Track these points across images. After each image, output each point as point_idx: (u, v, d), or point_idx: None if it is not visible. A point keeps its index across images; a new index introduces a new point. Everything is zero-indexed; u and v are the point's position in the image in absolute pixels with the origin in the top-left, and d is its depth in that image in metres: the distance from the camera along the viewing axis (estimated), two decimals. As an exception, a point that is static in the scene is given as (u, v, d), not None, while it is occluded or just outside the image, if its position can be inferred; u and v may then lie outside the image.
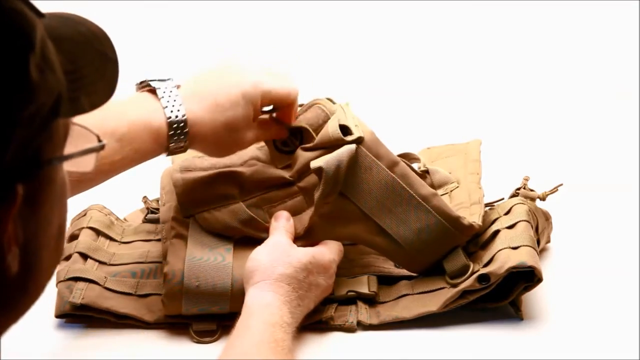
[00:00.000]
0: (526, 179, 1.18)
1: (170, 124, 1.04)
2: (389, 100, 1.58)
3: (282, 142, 1.15)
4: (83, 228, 1.19)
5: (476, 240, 1.12)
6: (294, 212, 1.11)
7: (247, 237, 1.11)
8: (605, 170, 1.37)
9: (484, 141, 1.26)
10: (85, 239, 1.17)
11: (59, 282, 1.12)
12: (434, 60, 1.70)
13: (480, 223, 1.11)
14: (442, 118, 1.52)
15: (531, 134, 1.47)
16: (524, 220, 1.10)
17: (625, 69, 1.64)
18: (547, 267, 1.10)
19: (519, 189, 1.17)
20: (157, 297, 1.11)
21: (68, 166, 0.69)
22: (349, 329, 1.09)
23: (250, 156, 1.16)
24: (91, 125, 0.72)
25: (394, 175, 1.10)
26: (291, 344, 0.99)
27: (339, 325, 1.09)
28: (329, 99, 1.15)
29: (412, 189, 1.10)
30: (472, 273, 1.08)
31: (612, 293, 1.13)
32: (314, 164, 1.08)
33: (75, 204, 1.25)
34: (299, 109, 1.15)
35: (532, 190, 1.17)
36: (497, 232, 1.11)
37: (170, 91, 1.06)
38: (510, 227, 1.10)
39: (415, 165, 1.20)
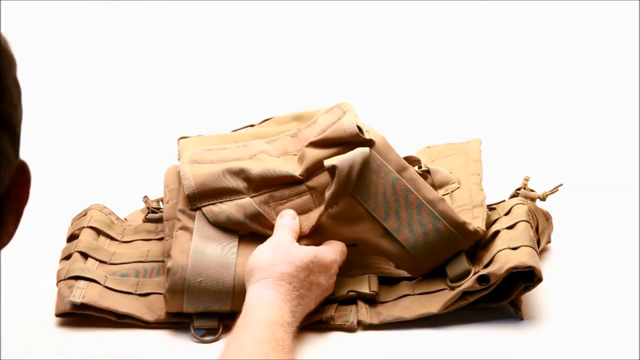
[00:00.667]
0: (526, 179, 1.18)
1: None
2: (389, 100, 1.58)
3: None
4: (83, 227, 1.19)
5: (476, 241, 1.12)
6: (301, 211, 1.11)
7: (253, 233, 1.11)
8: (605, 170, 1.38)
9: (484, 141, 1.26)
10: (86, 238, 1.17)
11: (59, 281, 1.12)
12: (434, 60, 1.70)
13: (484, 228, 1.11)
14: (442, 118, 1.53)
15: (531, 134, 1.47)
16: (524, 221, 1.10)
17: (625, 69, 1.64)
18: (547, 267, 1.10)
19: (519, 189, 1.17)
20: (157, 296, 1.11)
21: None
22: (349, 329, 1.09)
23: (259, 150, 1.16)
24: None
25: (402, 179, 1.10)
26: (291, 343, 0.99)
27: (339, 325, 1.09)
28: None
29: (420, 193, 1.10)
30: (473, 274, 1.08)
31: (612, 293, 1.13)
32: (327, 163, 1.08)
33: (75, 204, 1.26)
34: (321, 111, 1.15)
35: (532, 191, 1.16)
36: (497, 232, 1.11)
37: None
38: (510, 227, 1.10)
39: (415, 167, 1.20)
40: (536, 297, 1.10)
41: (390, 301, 1.11)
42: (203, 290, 1.07)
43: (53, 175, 1.44)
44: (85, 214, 1.22)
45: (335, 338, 1.08)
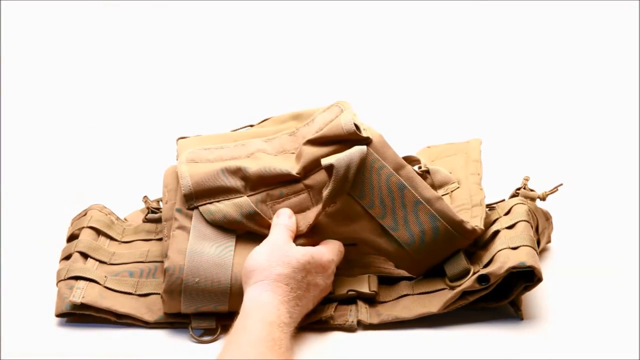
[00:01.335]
0: (526, 179, 1.18)
1: None
2: (389, 100, 1.58)
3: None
4: (83, 227, 1.19)
5: (476, 240, 1.12)
6: (299, 209, 1.11)
7: (250, 232, 1.11)
8: (605, 170, 1.38)
9: (484, 141, 1.26)
10: (86, 239, 1.17)
11: (59, 281, 1.12)
12: (434, 60, 1.70)
13: (482, 227, 1.11)
14: (442, 117, 1.53)
15: (531, 134, 1.47)
16: (524, 221, 1.10)
17: (625, 69, 1.64)
18: (547, 267, 1.10)
19: (519, 189, 1.17)
20: (157, 296, 1.11)
21: None
22: (349, 329, 1.09)
23: (256, 148, 1.16)
24: None
25: (399, 178, 1.10)
26: (289, 343, 0.99)
27: (339, 325, 1.09)
28: None
29: (417, 192, 1.10)
30: (472, 274, 1.08)
31: (612, 293, 1.13)
32: (325, 161, 1.08)
33: (75, 204, 1.26)
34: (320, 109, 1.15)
35: (532, 190, 1.17)
36: (497, 232, 1.11)
37: None
38: (510, 227, 1.10)
39: (415, 167, 1.20)
40: (536, 297, 1.10)
41: (390, 301, 1.11)
42: (200, 291, 1.07)
43: (53, 175, 1.44)
44: (85, 214, 1.22)
45: (335, 338, 1.08)
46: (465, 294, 1.07)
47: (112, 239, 1.20)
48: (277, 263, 1.04)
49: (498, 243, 1.09)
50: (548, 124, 1.50)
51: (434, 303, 1.09)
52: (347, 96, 1.18)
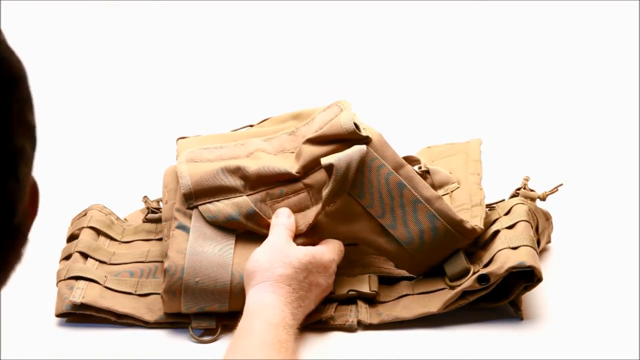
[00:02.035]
0: (526, 179, 1.18)
1: None
2: (389, 100, 1.58)
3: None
4: (83, 227, 1.19)
5: (476, 240, 1.12)
6: (298, 209, 1.11)
7: (250, 232, 1.11)
8: (605, 170, 1.38)
9: (485, 141, 1.26)
10: (86, 239, 1.17)
11: (59, 281, 1.12)
12: (434, 60, 1.70)
13: (482, 226, 1.11)
14: (442, 118, 1.53)
15: (531, 134, 1.47)
16: (524, 221, 1.10)
17: (625, 69, 1.64)
18: (547, 267, 1.10)
19: (519, 189, 1.17)
20: (157, 296, 1.11)
21: None
22: (349, 329, 1.09)
23: (256, 147, 1.16)
24: None
25: (399, 177, 1.10)
26: (294, 344, 0.99)
27: (339, 325, 1.09)
28: None
29: (417, 191, 1.10)
30: (472, 274, 1.08)
31: (612, 293, 1.13)
32: (324, 161, 1.08)
33: (75, 204, 1.26)
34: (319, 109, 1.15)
35: (532, 191, 1.16)
36: (497, 232, 1.11)
37: None
38: (510, 227, 1.10)
39: (415, 167, 1.20)
40: (536, 297, 1.10)
41: (390, 301, 1.11)
42: (200, 291, 1.07)
43: (53, 175, 1.44)
44: (85, 214, 1.22)
45: (335, 338, 1.08)
46: (465, 293, 1.07)
47: (112, 239, 1.20)
48: (278, 264, 1.04)
49: (498, 243, 1.09)
50: (548, 124, 1.50)
51: (433, 303, 1.09)
52: (347, 96, 1.18)
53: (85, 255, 1.16)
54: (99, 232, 1.19)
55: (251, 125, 1.23)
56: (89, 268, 1.14)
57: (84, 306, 1.10)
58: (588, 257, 1.19)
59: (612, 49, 1.69)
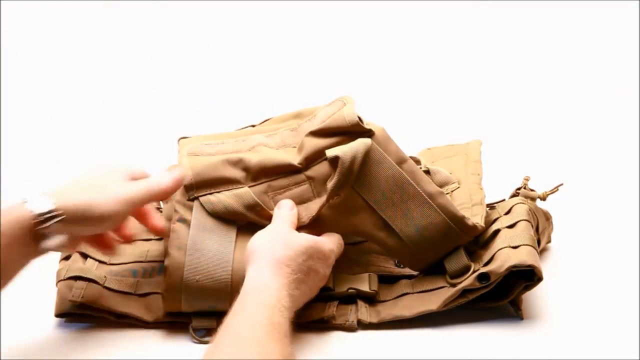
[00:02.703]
0: (527, 179, 1.18)
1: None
2: (389, 101, 1.58)
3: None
4: (83, 228, 1.19)
5: (477, 239, 1.12)
6: (300, 200, 1.11)
7: (251, 224, 1.10)
8: (605, 170, 1.38)
9: (485, 141, 1.26)
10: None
11: (59, 281, 1.12)
12: (434, 61, 1.70)
13: (483, 225, 1.11)
14: (442, 118, 1.53)
15: (531, 134, 1.47)
16: (524, 220, 1.11)
17: (625, 69, 1.64)
18: (547, 267, 1.10)
19: (519, 188, 1.17)
20: (157, 296, 1.11)
21: None
22: (349, 328, 1.09)
23: (258, 142, 1.15)
24: None
25: (401, 171, 1.10)
26: (288, 328, 0.97)
27: (339, 325, 1.09)
28: None
29: (419, 186, 1.10)
30: (473, 272, 1.08)
31: (612, 293, 1.13)
32: (330, 153, 1.08)
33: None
34: (322, 105, 1.15)
35: (532, 190, 1.17)
36: (497, 231, 1.11)
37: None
38: (511, 226, 1.10)
39: (415, 165, 1.20)
40: (536, 297, 1.10)
41: (390, 300, 1.11)
42: (201, 289, 1.07)
43: (53, 174, 1.44)
44: (85, 214, 1.22)
45: (335, 338, 1.08)
46: (465, 292, 1.07)
47: (112, 238, 1.20)
48: (278, 246, 1.03)
49: (498, 242, 1.09)
50: (548, 124, 1.50)
51: (433, 301, 1.09)
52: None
53: (85, 256, 1.16)
54: (99, 232, 1.19)
55: (253, 126, 1.23)
56: (89, 268, 1.14)
57: (83, 306, 1.10)
58: (588, 257, 1.20)
59: (612, 49, 1.70)
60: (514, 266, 1.05)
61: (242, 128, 1.22)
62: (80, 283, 1.11)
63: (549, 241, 1.21)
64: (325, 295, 1.10)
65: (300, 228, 1.09)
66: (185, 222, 1.10)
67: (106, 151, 1.51)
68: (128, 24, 1.83)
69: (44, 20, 1.83)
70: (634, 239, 1.22)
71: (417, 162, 1.22)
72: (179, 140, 1.20)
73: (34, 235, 0.99)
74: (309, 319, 1.08)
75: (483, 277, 1.06)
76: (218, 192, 1.11)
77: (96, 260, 1.16)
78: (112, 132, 1.56)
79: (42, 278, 1.16)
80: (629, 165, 1.38)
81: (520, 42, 1.73)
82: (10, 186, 1.41)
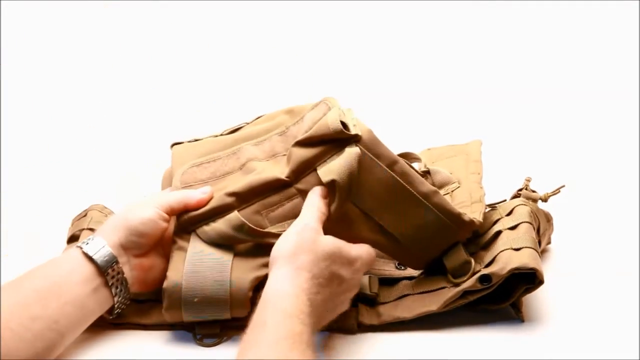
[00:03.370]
0: (528, 180, 1.18)
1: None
2: (389, 101, 1.58)
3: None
4: (83, 229, 1.19)
5: (478, 240, 1.12)
6: (294, 215, 1.09)
7: (246, 245, 1.10)
8: (606, 172, 1.38)
9: (486, 142, 1.26)
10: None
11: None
12: (434, 61, 1.70)
13: (481, 220, 1.10)
14: (442, 119, 1.53)
15: (533, 135, 1.47)
16: (526, 222, 1.10)
17: (625, 69, 1.64)
18: (547, 269, 1.10)
19: (520, 189, 1.17)
20: (154, 303, 1.11)
21: None
22: (350, 330, 1.09)
23: (247, 158, 1.15)
24: None
25: (393, 174, 1.09)
26: (309, 336, 0.96)
27: (340, 327, 1.09)
28: None
29: (412, 187, 1.09)
30: (474, 273, 1.08)
31: (612, 295, 1.13)
32: (325, 178, 1.07)
33: (76, 204, 1.26)
34: (309, 107, 1.15)
35: (534, 192, 1.17)
36: (499, 233, 1.11)
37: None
38: (513, 228, 1.10)
39: (416, 165, 1.20)
40: (537, 299, 1.10)
41: (390, 302, 1.11)
42: (200, 307, 1.07)
43: (53, 175, 1.44)
44: (85, 215, 1.21)
45: (336, 340, 1.08)
46: (465, 293, 1.07)
47: (112, 240, 1.20)
48: (302, 250, 1.01)
49: (500, 244, 1.09)
50: (549, 125, 1.50)
51: (434, 302, 1.09)
52: (348, 99, 1.17)
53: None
54: (99, 234, 1.19)
55: (247, 123, 1.22)
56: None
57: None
58: (589, 259, 1.19)
59: (612, 50, 1.70)
60: (516, 269, 1.05)
61: (236, 127, 1.22)
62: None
63: (549, 242, 1.21)
64: None
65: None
66: (182, 249, 1.10)
67: (106, 151, 1.51)
68: (128, 24, 1.83)
69: (44, 20, 1.83)
70: (634, 240, 1.22)
71: (418, 159, 1.22)
72: (171, 146, 1.20)
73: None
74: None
75: (485, 279, 1.06)
76: (213, 221, 1.11)
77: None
78: (111, 132, 1.56)
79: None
80: (630, 166, 1.38)
81: (521, 42, 1.73)
82: (10, 188, 1.41)
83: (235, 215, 1.10)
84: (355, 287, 1.07)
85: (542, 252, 1.17)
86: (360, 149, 1.08)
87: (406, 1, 1.82)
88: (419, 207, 1.09)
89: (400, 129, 1.38)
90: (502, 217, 1.13)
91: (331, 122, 1.08)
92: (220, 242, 1.09)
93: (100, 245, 1.07)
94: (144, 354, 1.07)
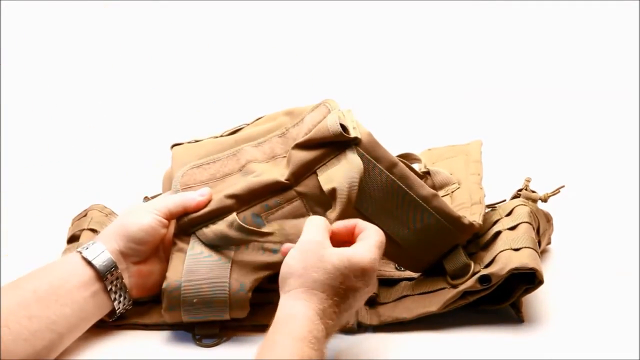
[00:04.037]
0: (528, 180, 1.18)
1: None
2: (389, 102, 1.58)
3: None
4: (84, 229, 1.19)
5: (477, 241, 1.12)
6: (294, 217, 1.10)
7: (245, 246, 1.10)
8: (606, 172, 1.38)
9: (486, 142, 1.26)
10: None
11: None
12: (434, 61, 1.70)
13: (480, 222, 1.11)
14: (442, 119, 1.53)
15: (532, 135, 1.47)
16: (526, 222, 1.10)
17: (625, 69, 1.64)
18: (547, 269, 1.10)
19: (520, 190, 1.17)
20: (154, 303, 1.11)
21: None
22: (349, 330, 1.09)
23: (247, 159, 1.15)
24: None
25: (393, 178, 1.09)
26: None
27: (340, 327, 1.09)
28: None
29: (412, 191, 1.09)
30: (473, 274, 1.08)
31: (612, 295, 1.13)
32: (326, 186, 1.07)
33: (76, 204, 1.26)
34: (308, 109, 1.15)
35: (533, 192, 1.17)
36: (498, 233, 1.11)
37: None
38: (512, 228, 1.10)
39: (416, 166, 1.20)
40: (536, 299, 1.10)
41: (390, 302, 1.11)
42: (199, 307, 1.07)
43: (53, 175, 1.44)
44: (86, 215, 1.22)
45: (335, 340, 1.08)
46: (465, 293, 1.07)
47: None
48: (312, 268, 0.98)
49: (500, 244, 1.09)
50: (549, 125, 1.50)
51: (434, 302, 1.09)
52: (348, 100, 1.17)
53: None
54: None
55: (247, 124, 1.22)
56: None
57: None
58: (588, 259, 1.19)
59: (612, 50, 1.70)
60: (516, 269, 1.05)
61: (237, 128, 1.22)
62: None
63: (549, 243, 1.21)
64: None
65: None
66: (182, 251, 1.10)
67: (106, 151, 1.51)
68: (128, 24, 1.83)
69: (44, 20, 1.83)
70: (634, 240, 1.22)
71: (418, 160, 1.22)
72: (172, 147, 1.20)
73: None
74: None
75: (484, 279, 1.06)
76: (212, 223, 1.10)
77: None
78: (111, 132, 1.56)
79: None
80: (630, 167, 1.38)
81: (521, 42, 1.73)
82: (10, 188, 1.41)
83: (233, 217, 1.10)
84: (373, 287, 1.05)
85: (542, 252, 1.17)
86: (361, 153, 1.08)
87: (406, 2, 1.82)
88: (418, 211, 1.09)
89: (400, 130, 1.38)
90: (501, 218, 1.13)
91: (331, 124, 1.08)
92: (220, 244, 1.09)
93: (100, 250, 1.07)
94: (144, 354, 1.07)
